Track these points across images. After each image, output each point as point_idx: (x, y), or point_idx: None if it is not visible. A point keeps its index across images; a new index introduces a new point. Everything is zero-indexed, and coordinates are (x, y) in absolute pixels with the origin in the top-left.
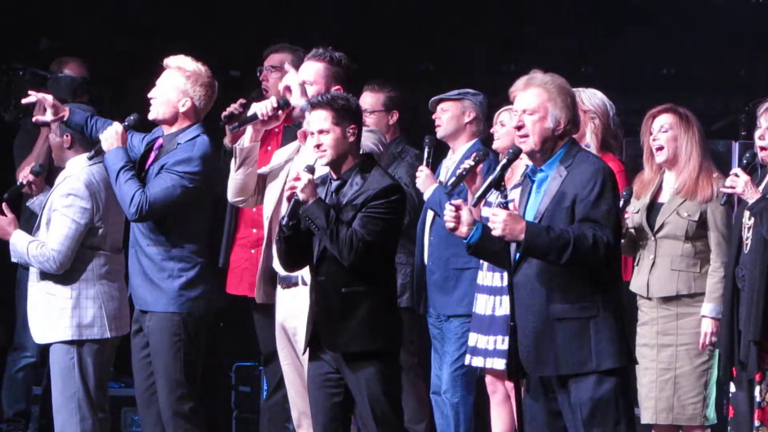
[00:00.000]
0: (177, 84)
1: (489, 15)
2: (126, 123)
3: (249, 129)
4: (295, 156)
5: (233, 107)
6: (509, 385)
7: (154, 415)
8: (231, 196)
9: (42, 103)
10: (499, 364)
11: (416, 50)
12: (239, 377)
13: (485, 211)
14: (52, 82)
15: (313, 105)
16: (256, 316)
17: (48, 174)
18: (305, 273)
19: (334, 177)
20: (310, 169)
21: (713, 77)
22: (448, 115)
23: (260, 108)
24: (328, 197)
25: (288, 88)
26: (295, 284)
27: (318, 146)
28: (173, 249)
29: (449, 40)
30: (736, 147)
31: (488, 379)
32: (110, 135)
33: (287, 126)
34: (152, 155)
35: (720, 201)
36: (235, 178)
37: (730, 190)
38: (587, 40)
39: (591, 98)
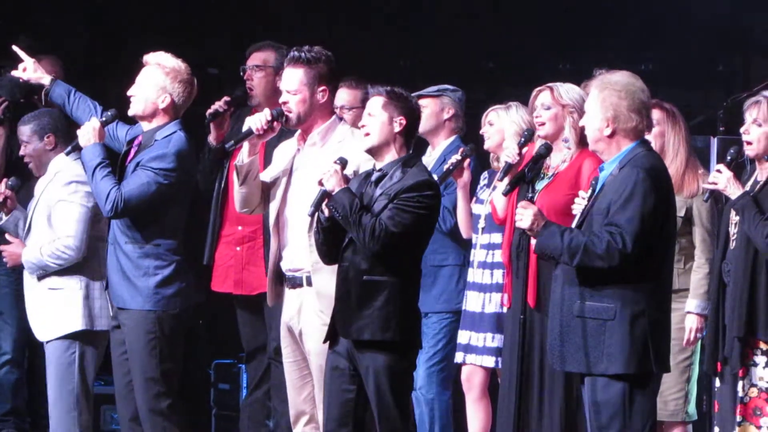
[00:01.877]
0: (156, 81)
1: (467, 11)
2: (103, 118)
3: (246, 144)
4: (297, 156)
5: (218, 105)
6: (482, 381)
7: (130, 411)
8: (238, 207)
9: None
10: (489, 361)
11: (394, 46)
12: (218, 374)
13: (476, 209)
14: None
15: (372, 93)
16: (240, 313)
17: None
18: (309, 274)
19: (377, 169)
20: (342, 161)
21: (691, 72)
22: (427, 111)
23: (255, 122)
24: (367, 188)
25: None
26: (300, 285)
27: (363, 126)
28: (149, 246)
29: (428, 36)
30: (714, 142)
31: (464, 376)
32: (87, 131)
33: None
34: (132, 152)
35: (703, 197)
36: (240, 192)
37: (712, 186)
38: (565, 36)
39: (569, 92)
